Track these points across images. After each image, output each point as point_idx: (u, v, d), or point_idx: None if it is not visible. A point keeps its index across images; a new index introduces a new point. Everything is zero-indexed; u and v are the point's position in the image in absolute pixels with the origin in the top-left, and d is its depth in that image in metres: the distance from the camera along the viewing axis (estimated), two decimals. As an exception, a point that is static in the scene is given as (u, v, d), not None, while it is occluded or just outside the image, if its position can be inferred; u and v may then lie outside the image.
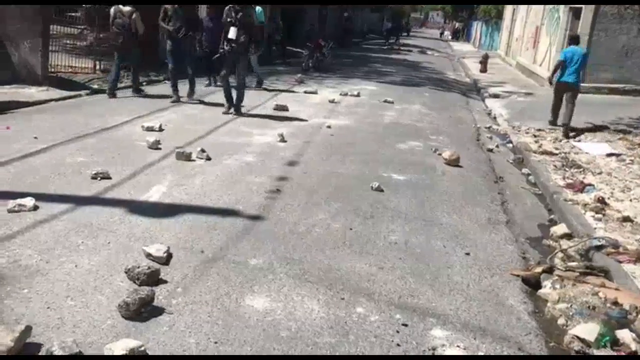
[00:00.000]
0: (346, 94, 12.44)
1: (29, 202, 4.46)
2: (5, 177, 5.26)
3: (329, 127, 8.71)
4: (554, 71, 9.87)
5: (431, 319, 3.34)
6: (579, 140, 8.63)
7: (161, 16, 9.88)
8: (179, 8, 9.68)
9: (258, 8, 10.78)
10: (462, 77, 20.36)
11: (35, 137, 6.63)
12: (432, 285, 3.77)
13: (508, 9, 28.32)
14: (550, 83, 10.04)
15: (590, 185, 6.11)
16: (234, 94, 9.19)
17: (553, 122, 9.90)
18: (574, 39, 10.24)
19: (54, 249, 3.83)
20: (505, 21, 29.02)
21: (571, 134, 9.08)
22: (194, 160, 6.22)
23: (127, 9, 9.68)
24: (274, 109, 9.87)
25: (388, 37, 39.23)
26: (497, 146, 8.39)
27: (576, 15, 14.44)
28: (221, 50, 8.93)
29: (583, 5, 13.81)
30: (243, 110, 9.33)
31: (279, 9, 22.92)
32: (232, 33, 8.63)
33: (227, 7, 8.88)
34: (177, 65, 9.92)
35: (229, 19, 8.73)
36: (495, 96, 14.02)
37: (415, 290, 3.69)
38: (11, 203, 4.40)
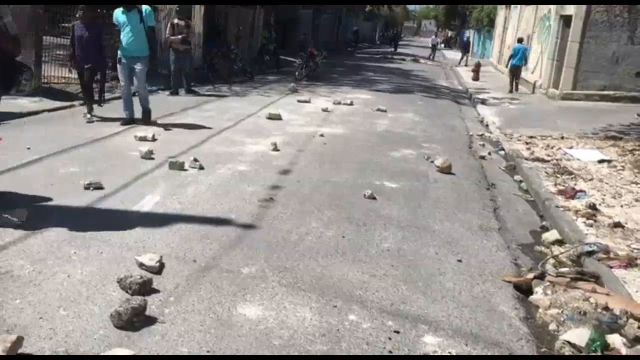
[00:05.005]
0: (339, 103, 12.49)
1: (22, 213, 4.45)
2: (-2, 188, 5.25)
3: (322, 135, 8.74)
4: (509, 60, 17.10)
5: (423, 325, 3.35)
6: (571, 147, 8.68)
7: None
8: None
9: (146, 8, 8.54)
10: (455, 85, 20.47)
11: (28, 148, 6.63)
12: (424, 292, 3.79)
13: (500, 17, 28.53)
14: (507, 67, 17.64)
15: (581, 191, 6.15)
16: None
17: (510, 91, 16.51)
18: (519, 40, 17.65)
19: (46, 259, 3.82)
20: (497, 29, 29.23)
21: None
22: (186, 170, 6.23)
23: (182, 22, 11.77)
24: (267, 118, 9.91)
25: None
26: (489, 153, 8.43)
27: (567, 23, 14.57)
28: None
29: (573, 14, 13.94)
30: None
31: (272, 18, 23.06)
32: None
33: None
34: None
35: None
36: (488, 104, 14.11)
37: (408, 297, 3.70)
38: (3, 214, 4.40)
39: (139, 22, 8.34)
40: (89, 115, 8.71)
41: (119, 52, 8.55)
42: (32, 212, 4.53)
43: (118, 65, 8.63)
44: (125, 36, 8.38)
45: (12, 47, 4.59)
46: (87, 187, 5.33)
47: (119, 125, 8.39)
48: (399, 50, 44.16)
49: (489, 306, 3.67)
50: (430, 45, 40.29)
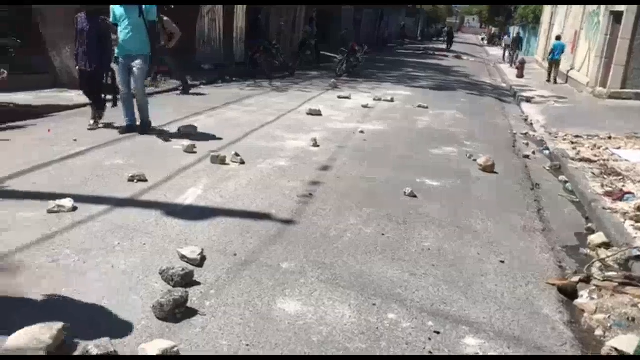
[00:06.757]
0: (380, 99, 12.41)
1: (68, 203, 4.57)
2: (46, 178, 5.40)
3: (362, 132, 8.70)
4: (549, 53, 19.17)
5: (464, 327, 3.30)
6: (619, 148, 8.42)
7: None
8: None
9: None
10: (498, 82, 20.09)
11: (75, 140, 6.81)
12: (466, 293, 3.72)
13: (546, 13, 27.86)
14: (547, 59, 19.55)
15: (630, 193, 5.95)
16: None
17: (548, 80, 18.70)
18: (558, 37, 19.30)
19: (91, 249, 3.91)
20: (543, 26, 28.54)
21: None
22: (228, 164, 6.29)
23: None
24: (308, 114, 9.91)
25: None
26: (533, 153, 8.24)
27: (617, 19, 14.11)
28: None
29: (625, 9, 13.49)
30: None
31: (314, 12, 23.08)
32: None
33: None
34: None
35: None
36: (532, 102, 13.79)
37: (448, 297, 3.64)
38: (51, 204, 4.52)
39: (138, 16, 7.28)
40: (91, 122, 7.77)
41: (116, 50, 7.49)
42: (78, 203, 4.65)
43: (115, 66, 7.62)
44: (122, 32, 7.35)
45: None
46: (131, 180, 5.43)
47: (118, 133, 7.48)
48: (450, 47, 42.76)
49: (532, 309, 3.58)
50: (502, 45, 33.16)
